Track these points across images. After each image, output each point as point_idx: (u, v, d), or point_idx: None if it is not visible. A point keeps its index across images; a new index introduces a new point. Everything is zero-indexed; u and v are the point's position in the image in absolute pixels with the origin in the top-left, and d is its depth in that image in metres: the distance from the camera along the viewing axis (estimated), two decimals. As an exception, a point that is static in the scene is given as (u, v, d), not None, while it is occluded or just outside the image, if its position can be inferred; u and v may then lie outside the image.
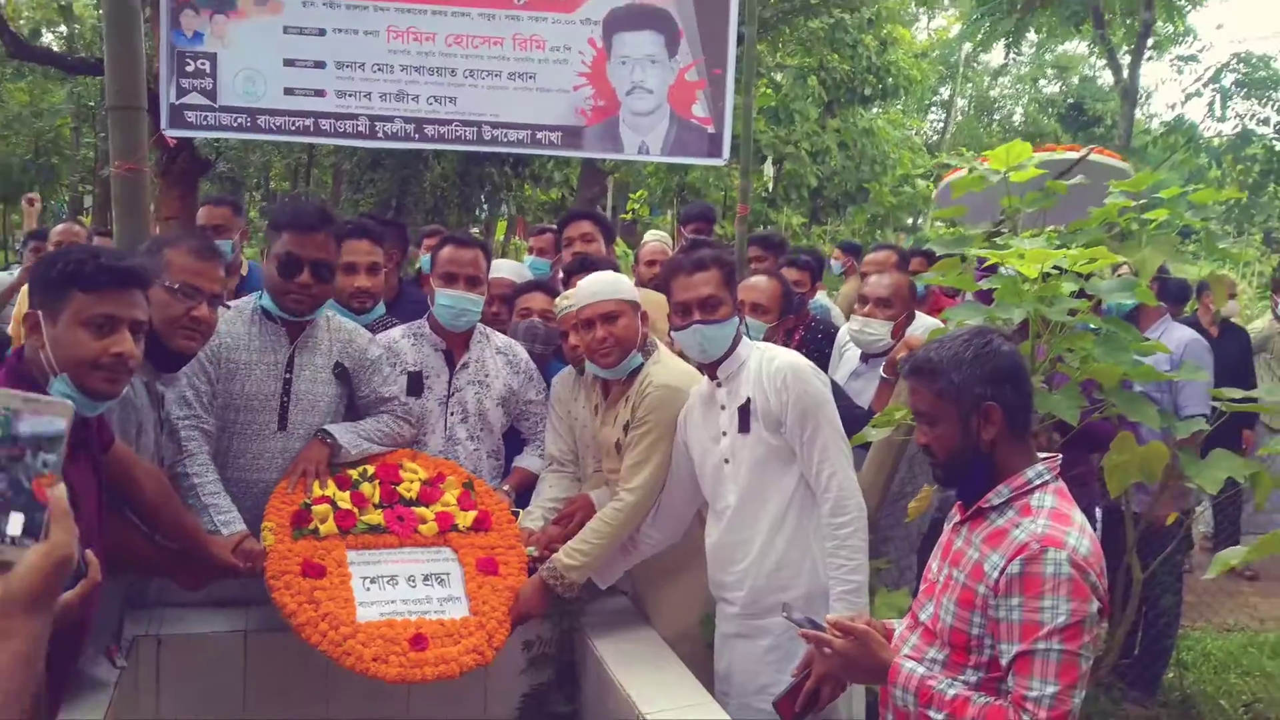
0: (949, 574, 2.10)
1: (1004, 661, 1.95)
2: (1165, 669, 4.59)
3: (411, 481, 3.10)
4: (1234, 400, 2.70)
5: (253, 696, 2.93)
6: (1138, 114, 15.40)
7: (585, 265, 3.56)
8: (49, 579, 1.15)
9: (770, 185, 18.68)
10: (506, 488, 3.40)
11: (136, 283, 2.14)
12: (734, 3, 5.07)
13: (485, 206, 19.92)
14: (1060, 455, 2.14)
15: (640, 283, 4.62)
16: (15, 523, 1.15)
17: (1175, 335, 4.45)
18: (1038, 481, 2.06)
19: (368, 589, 2.84)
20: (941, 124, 30.71)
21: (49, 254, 2.38)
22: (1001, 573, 1.96)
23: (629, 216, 21.41)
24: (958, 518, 2.18)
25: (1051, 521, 1.98)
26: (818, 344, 4.80)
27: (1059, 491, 2.07)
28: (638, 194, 19.94)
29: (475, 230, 21.33)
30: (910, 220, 23.95)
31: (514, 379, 3.50)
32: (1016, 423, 2.07)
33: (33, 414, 1.17)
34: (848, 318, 6.01)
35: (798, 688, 2.48)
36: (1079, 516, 2.03)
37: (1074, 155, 3.52)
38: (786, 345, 4.85)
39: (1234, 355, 6.53)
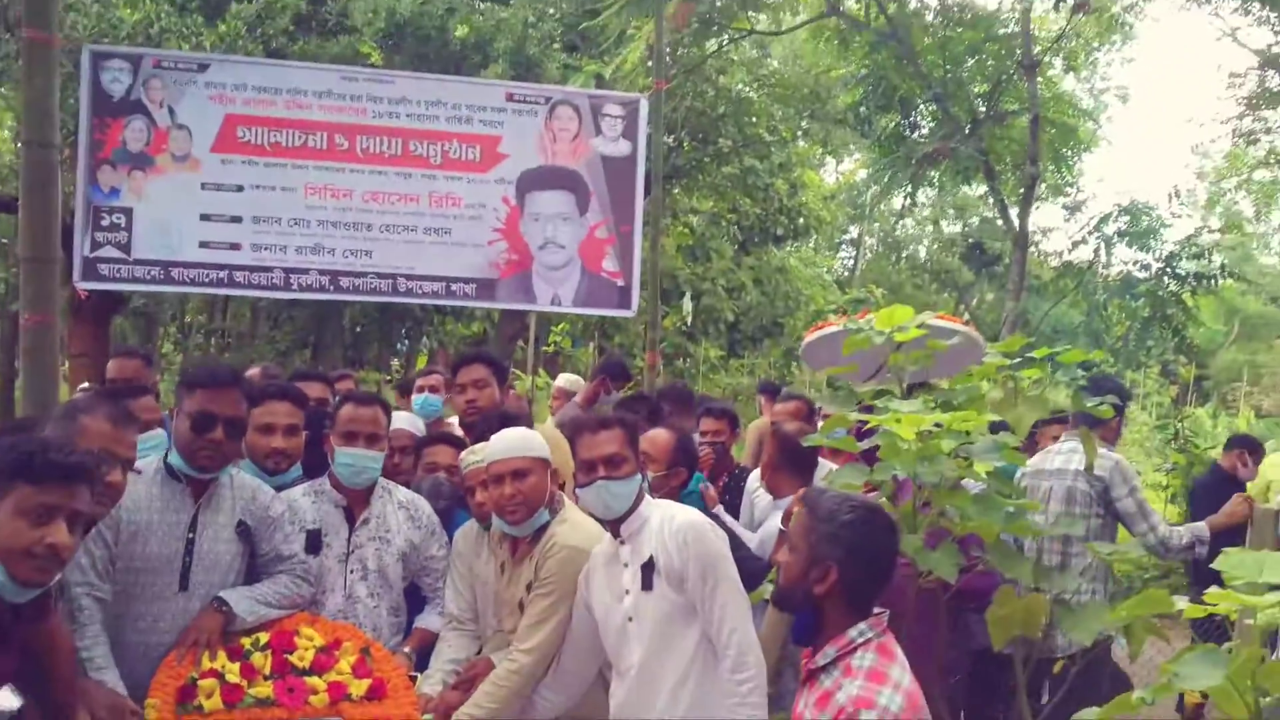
0: None
1: None
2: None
3: (306, 649, 3.06)
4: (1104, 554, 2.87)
5: None
6: (1035, 251, 16.27)
7: (505, 420, 3.62)
8: None
9: (689, 319, 19.15)
10: (407, 649, 3.38)
11: (82, 476, 2.18)
12: (640, 167, 5.38)
13: (406, 341, 19.98)
14: (887, 611, 2.27)
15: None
16: None
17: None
18: (860, 640, 2.18)
19: None
20: (851, 261, 31.98)
21: None
22: None
23: (550, 349, 21.65)
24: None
25: (866, 682, 2.10)
26: (740, 491, 4.90)
27: (880, 648, 2.19)
28: (559, 326, 20.22)
29: (395, 363, 21.31)
30: (824, 354, 24.52)
31: (415, 533, 3.52)
32: (853, 592, 2.22)
33: None
34: (755, 453, 6.15)
35: None
36: (896, 673, 2.14)
37: (946, 324, 3.79)
38: (704, 493, 4.97)
39: None
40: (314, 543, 3.34)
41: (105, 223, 4.93)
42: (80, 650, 2.77)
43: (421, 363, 21.95)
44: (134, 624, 2.96)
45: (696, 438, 4.91)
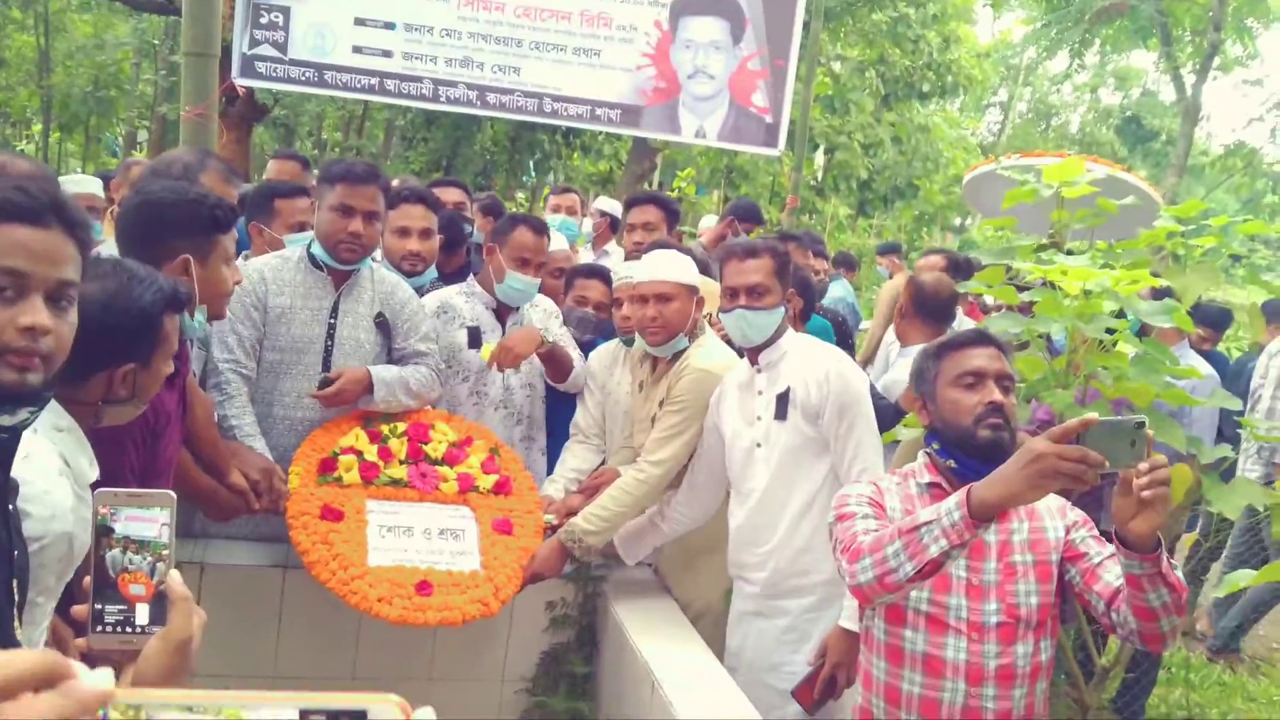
0: (1006, 564, 2.18)
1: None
2: (1149, 692, 4.62)
3: (440, 442, 3.20)
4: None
5: (286, 628, 3.06)
6: (1197, 133, 15.23)
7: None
8: (172, 664, 1.16)
9: (820, 174, 18.65)
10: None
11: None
12: (801, -3, 5.12)
13: (533, 173, 20.00)
14: None
15: None
16: (143, 613, 1.18)
17: (1189, 362, 4.35)
18: None
19: (383, 536, 2.94)
20: (998, 126, 30.42)
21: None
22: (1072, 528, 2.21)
23: (674, 193, 21.43)
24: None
25: None
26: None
27: None
28: (685, 172, 19.94)
29: (521, 195, 21.45)
30: (958, 221, 23.74)
31: (555, 328, 3.65)
32: None
33: (133, 509, 1.18)
34: (887, 317, 6.01)
35: (814, 676, 2.56)
36: None
37: (1129, 178, 3.58)
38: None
39: None
40: (474, 338, 3.48)
41: (264, 20, 4.98)
42: (230, 418, 2.94)
43: (545, 195, 22.02)
44: (280, 399, 3.12)
45: None
